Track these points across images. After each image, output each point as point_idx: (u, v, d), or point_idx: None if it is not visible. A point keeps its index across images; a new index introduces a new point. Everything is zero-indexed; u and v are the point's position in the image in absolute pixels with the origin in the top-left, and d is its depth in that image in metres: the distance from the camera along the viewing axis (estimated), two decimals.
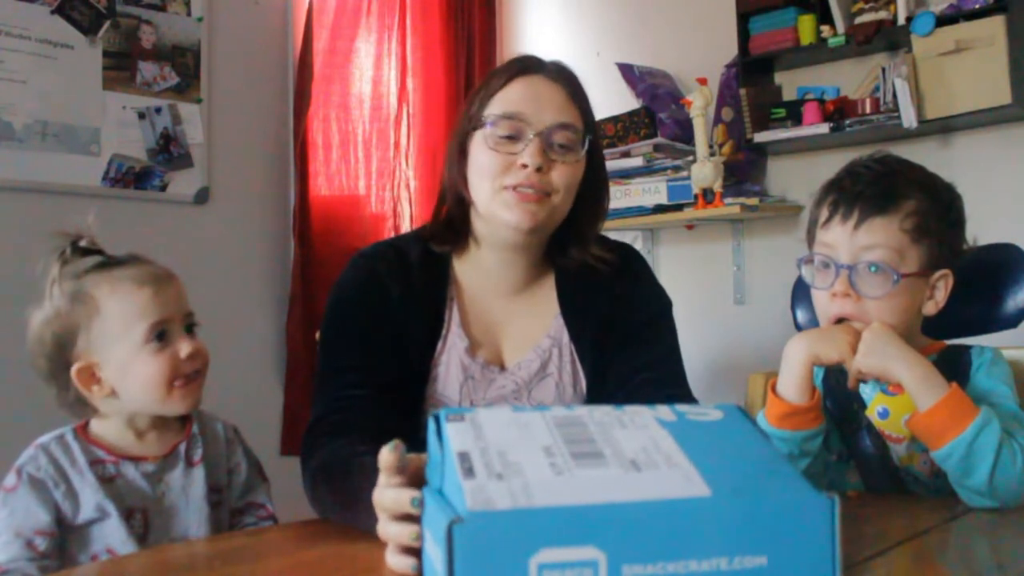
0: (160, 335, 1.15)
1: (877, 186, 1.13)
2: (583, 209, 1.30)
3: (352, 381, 1.21)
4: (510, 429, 0.59)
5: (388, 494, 0.80)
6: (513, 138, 1.22)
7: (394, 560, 0.79)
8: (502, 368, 1.30)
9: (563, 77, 1.28)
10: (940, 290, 1.14)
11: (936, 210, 1.13)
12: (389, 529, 0.80)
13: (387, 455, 0.80)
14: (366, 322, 1.26)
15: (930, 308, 1.14)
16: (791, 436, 1.09)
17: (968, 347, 1.17)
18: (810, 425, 1.10)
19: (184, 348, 1.16)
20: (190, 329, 1.20)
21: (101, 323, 1.13)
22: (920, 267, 1.12)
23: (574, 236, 1.32)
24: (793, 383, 1.09)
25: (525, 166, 1.21)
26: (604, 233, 1.42)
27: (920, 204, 1.12)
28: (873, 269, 1.10)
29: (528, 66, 1.28)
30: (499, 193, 1.22)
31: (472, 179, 1.26)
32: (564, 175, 1.23)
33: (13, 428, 1.42)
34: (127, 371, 1.14)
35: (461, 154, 1.28)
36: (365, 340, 1.24)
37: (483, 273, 1.32)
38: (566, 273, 1.34)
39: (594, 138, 1.29)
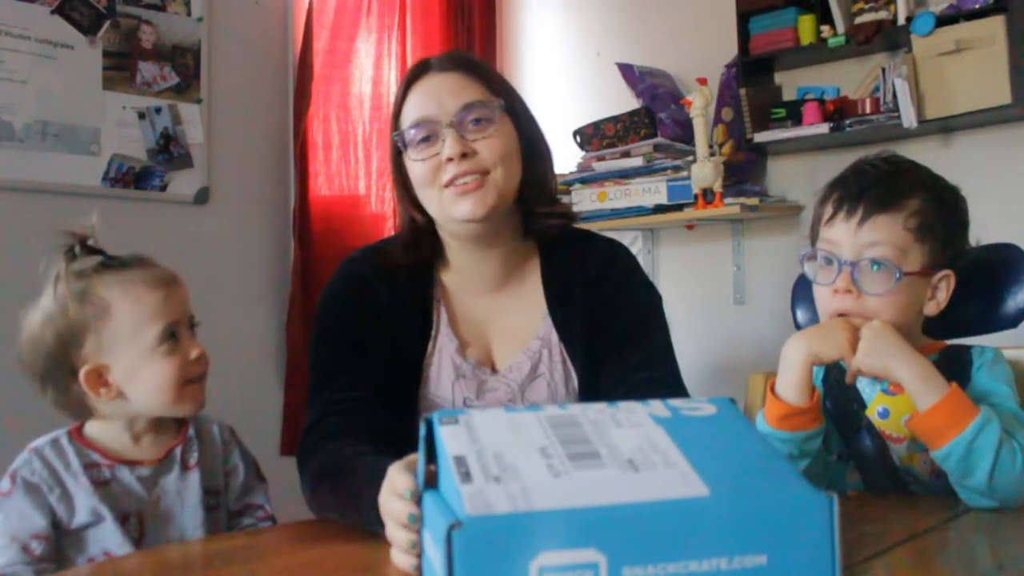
0: (171, 337, 1.15)
1: (882, 184, 1.13)
2: (526, 169, 1.29)
3: (346, 384, 1.21)
4: (504, 431, 0.59)
5: (394, 505, 0.83)
6: (430, 139, 1.24)
7: (398, 558, 0.83)
8: (493, 370, 1.30)
9: (452, 63, 1.29)
10: (942, 290, 1.14)
11: (940, 210, 1.13)
12: (395, 534, 0.84)
13: (402, 480, 0.83)
14: (356, 325, 1.26)
15: (931, 308, 1.14)
16: (791, 437, 1.09)
17: (969, 347, 1.17)
18: (810, 426, 1.09)
19: (194, 350, 1.17)
20: (193, 330, 1.20)
21: (111, 325, 1.13)
22: (922, 266, 1.12)
23: (527, 201, 1.31)
24: (793, 384, 1.09)
25: (451, 159, 1.21)
26: (604, 233, 1.42)
27: (925, 204, 1.12)
28: (876, 267, 1.10)
29: (417, 71, 1.29)
30: (441, 194, 1.24)
31: (419, 195, 1.28)
32: (492, 148, 1.23)
33: (11, 429, 1.42)
34: (137, 374, 1.14)
35: (401, 178, 1.30)
36: (356, 343, 1.25)
37: (463, 274, 1.33)
38: (551, 270, 1.33)
39: (510, 101, 1.29)
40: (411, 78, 1.29)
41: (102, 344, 1.13)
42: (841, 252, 1.13)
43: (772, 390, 1.11)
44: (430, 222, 1.30)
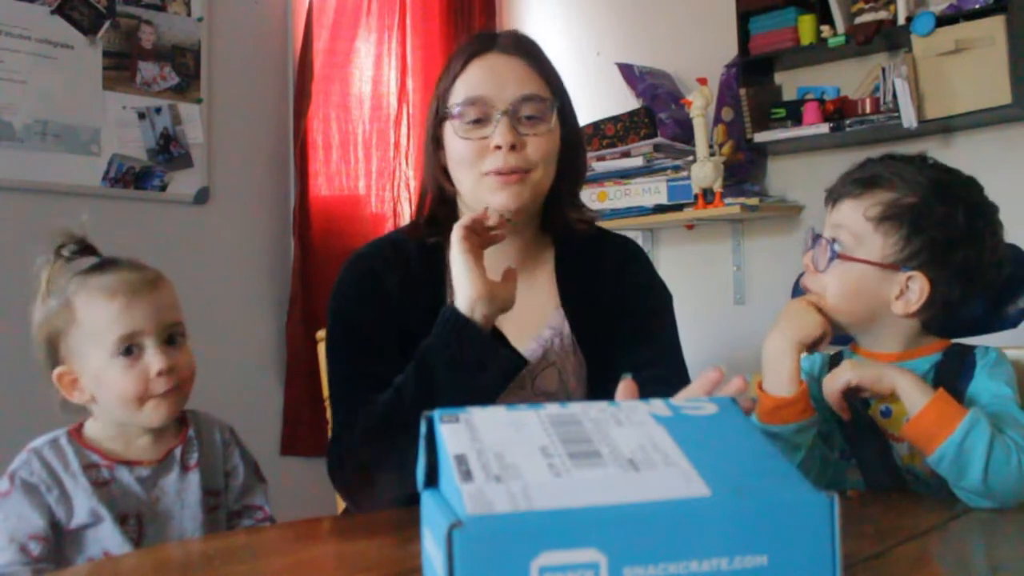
0: (128, 349, 1.12)
1: (864, 172, 1.16)
2: (561, 172, 1.29)
3: (368, 385, 1.20)
4: (505, 429, 0.59)
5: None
6: (481, 122, 1.22)
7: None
8: None
9: (519, 48, 1.27)
10: (913, 292, 1.12)
11: (920, 210, 1.11)
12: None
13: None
14: (370, 323, 1.25)
15: (899, 307, 1.12)
16: (780, 430, 1.09)
17: (972, 347, 1.17)
18: (800, 417, 1.09)
19: (155, 364, 1.11)
20: (173, 340, 1.15)
21: (77, 330, 1.12)
22: (880, 257, 1.12)
23: (554, 200, 1.31)
24: (783, 376, 1.09)
25: (499, 147, 1.20)
26: (610, 231, 1.42)
27: (898, 198, 1.12)
28: (827, 245, 1.14)
29: (482, 45, 1.27)
30: (481, 180, 1.23)
31: (452, 170, 1.26)
32: (539, 148, 1.23)
33: (10, 429, 1.42)
34: (100, 381, 1.13)
35: (436, 145, 1.28)
36: (373, 341, 1.24)
37: None
38: (566, 263, 1.34)
39: (563, 101, 1.28)
40: (474, 51, 1.26)
41: (71, 348, 1.13)
42: (824, 233, 1.18)
43: (760, 388, 1.11)
44: (453, 200, 1.30)
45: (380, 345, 1.23)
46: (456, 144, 1.24)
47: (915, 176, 1.14)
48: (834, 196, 1.18)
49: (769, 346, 1.11)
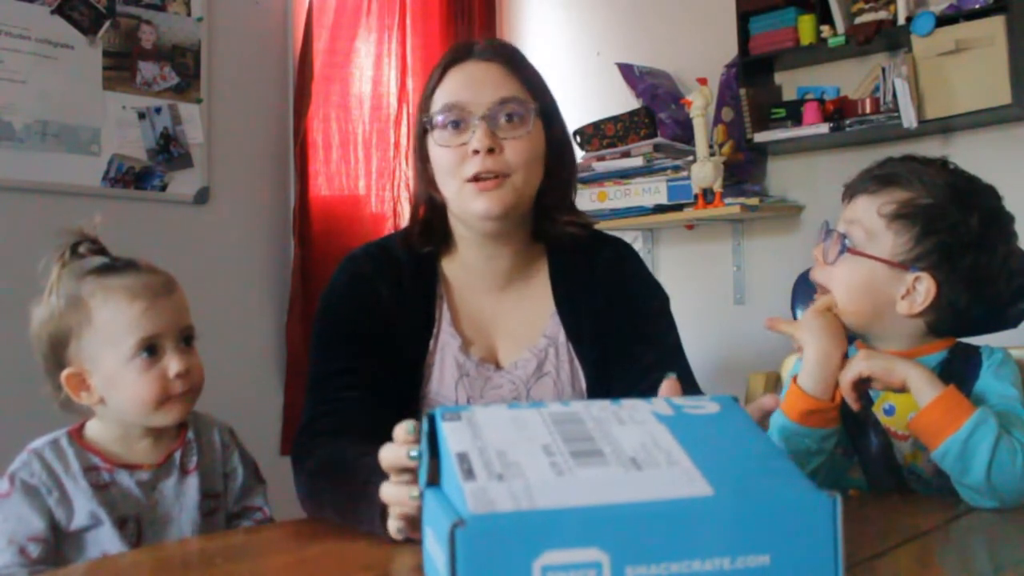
0: (150, 351, 1.12)
1: (883, 170, 1.16)
2: (548, 178, 1.28)
3: (345, 383, 1.20)
4: (508, 428, 0.59)
5: (387, 450, 0.85)
6: (460, 127, 1.21)
7: (393, 525, 0.85)
8: (497, 367, 1.29)
9: (496, 54, 1.27)
10: (919, 293, 1.11)
11: (935, 212, 1.11)
12: (390, 492, 0.85)
13: (402, 432, 0.84)
14: (357, 323, 1.25)
15: (903, 307, 1.12)
16: (812, 433, 1.09)
17: (978, 347, 1.16)
18: (832, 424, 1.10)
19: (174, 366, 1.12)
20: (188, 342, 1.16)
21: (92, 331, 1.11)
22: (890, 255, 1.12)
23: (544, 206, 1.30)
24: (831, 381, 1.08)
25: (477, 152, 1.20)
26: (603, 232, 1.42)
27: (914, 198, 1.12)
28: (839, 239, 1.14)
29: (459, 55, 1.27)
30: (463, 187, 1.22)
31: (438, 179, 1.26)
32: (518, 151, 1.22)
33: (11, 429, 1.42)
34: (114, 383, 1.12)
35: (423, 158, 1.28)
36: (356, 341, 1.24)
37: (469, 270, 1.32)
38: (559, 270, 1.33)
39: (545, 103, 1.27)
40: (450, 60, 1.26)
41: (83, 349, 1.12)
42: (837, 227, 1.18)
43: (797, 385, 1.10)
44: (443, 209, 1.29)
45: (363, 346, 1.23)
46: (438, 153, 1.24)
47: (933, 178, 1.14)
48: (851, 191, 1.17)
49: (823, 348, 1.10)
